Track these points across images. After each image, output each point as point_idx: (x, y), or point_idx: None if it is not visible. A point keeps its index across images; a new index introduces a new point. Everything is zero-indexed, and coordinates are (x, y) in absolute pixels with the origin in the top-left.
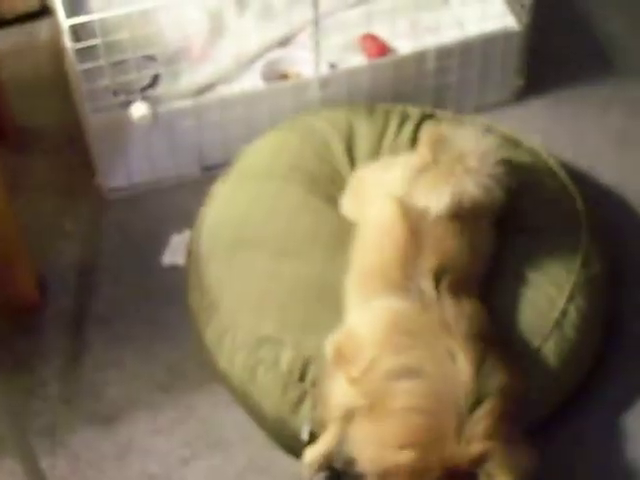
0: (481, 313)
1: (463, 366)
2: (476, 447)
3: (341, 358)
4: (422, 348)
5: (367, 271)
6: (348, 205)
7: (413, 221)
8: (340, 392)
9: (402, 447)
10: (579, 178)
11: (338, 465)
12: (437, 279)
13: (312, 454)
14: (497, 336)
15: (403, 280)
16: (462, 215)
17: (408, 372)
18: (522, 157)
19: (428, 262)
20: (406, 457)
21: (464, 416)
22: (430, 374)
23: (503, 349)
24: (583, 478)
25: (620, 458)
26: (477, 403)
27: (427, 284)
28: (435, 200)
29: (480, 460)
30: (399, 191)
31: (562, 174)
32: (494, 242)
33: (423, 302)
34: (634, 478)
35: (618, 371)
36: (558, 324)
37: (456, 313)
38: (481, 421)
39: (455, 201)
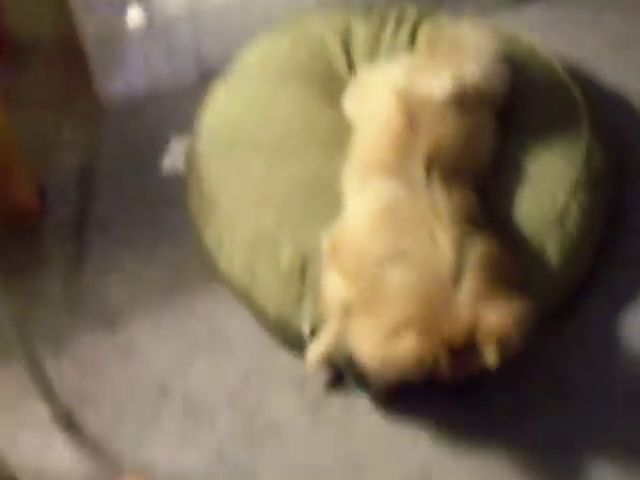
0: (471, 203)
1: (443, 245)
2: (466, 315)
3: (335, 252)
4: (407, 234)
5: (364, 159)
6: (350, 106)
7: (411, 109)
8: (334, 286)
9: (400, 335)
10: (579, 75)
11: (340, 362)
12: (429, 166)
13: (314, 351)
14: (489, 225)
15: (396, 167)
16: (462, 104)
17: (397, 259)
18: (521, 53)
19: (422, 149)
20: (406, 345)
21: (451, 292)
22: (415, 258)
23: (495, 236)
24: (585, 375)
25: (621, 354)
26: (460, 278)
27: (419, 172)
28: (437, 86)
29: (474, 328)
30: (400, 85)
31: (561, 70)
32: (494, 137)
33: (413, 188)
34: (636, 374)
35: (620, 266)
36: (560, 220)
37: (444, 199)
38: (467, 291)
39: (457, 86)
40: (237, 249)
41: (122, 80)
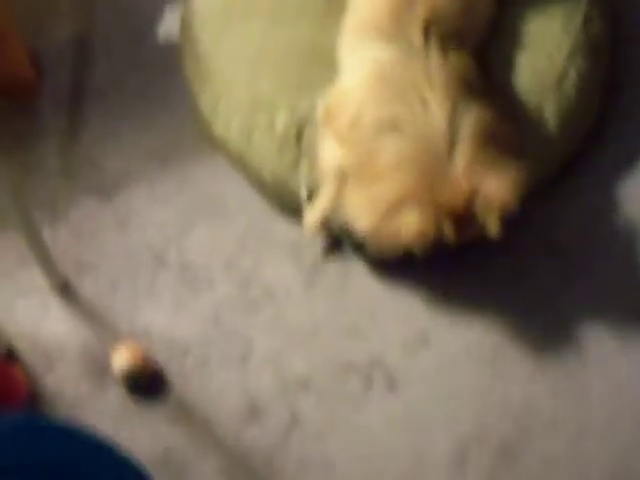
0: (469, 68)
1: (435, 111)
2: (464, 183)
3: (330, 118)
4: (401, 99)
5: (360, 21)
6: None
7: None
8: (330, 151)
9: (399, 211)
10: None
11: (336, 228)
12: (426, 30)
13: (311, 215)
14: (488, 87)
15: (393, 29)
16: None
17: (391, 126)
18: None
19: (420, 12)
20: (407, 219)
21: (445, 160)
22: (409, 126)
23: (495, 102)
24: (578, 242)
25: (617, 221)
26: (454, 143)
27: (416, 34)
28: None
29: (473, 196)
30: None
31: None
32: (493, 2)
33: (410, 52)
34: (631, 240)
35: (615, 136)
36: (558, 83)
37: (440, 63)
38: (462, 159)
39: None
40: (233, 114)
41: None
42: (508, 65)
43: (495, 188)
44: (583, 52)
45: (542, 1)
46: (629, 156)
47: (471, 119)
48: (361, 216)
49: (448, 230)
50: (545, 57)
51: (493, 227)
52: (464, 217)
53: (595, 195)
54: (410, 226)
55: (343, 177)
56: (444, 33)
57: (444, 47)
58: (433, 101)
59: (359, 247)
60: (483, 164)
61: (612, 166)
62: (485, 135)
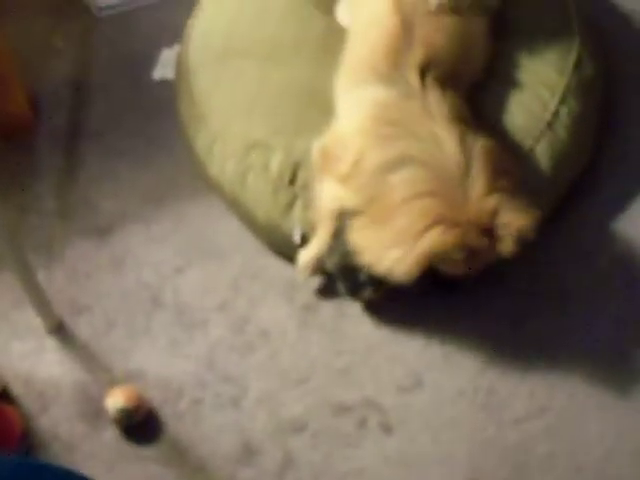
0: (464, 107)
1: (447, 142)
2: (482, 203)
3: (328, 159)
4: (407, 136)
5: (356, 62)
6: (344, 10)
7: (406, 13)
8: (330, 193)
9: (425, 231)
10: None
11: (331, 269)
12: (423, 71)
13: (305, 257)
14: (482, 126)
15: (390, 70)
16: (459, 9)
17: (400, 162)
18: None
19: (417, 54)
20: (436, 239)
21: (462, 185)
22: (420, 159)
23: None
24: (574, 280)
25: (611, 259)
26: (469, 170)
27: (413, 75)
28: None
29: (492, 216)
30: None
31: None
32: (489, 46)
33: (407, 92)
34: (627, 278)
35: (610, 175)
36: (550, 125)
37: (439, 102)
38: (477, 182)
39: None
40: (228, 156)
41: None
42: (501, 106)
43: (513, 212)
44: (576, 93)
45: (535, 42)
46: (623, 195)
47: (481, 148)
48: (385, 253)
49: (480, 242)
50: (537, 98)
51: (508, 246)
52: (485, 239)
53: (590, 233)
54: (440, 245)
55: (343, 217)
56: (441, 74)
57: (441, 88)
58: (441, 133)
59: (352, 286)
60: (498, 190)
61: (607, 205)
62: (493, 162)
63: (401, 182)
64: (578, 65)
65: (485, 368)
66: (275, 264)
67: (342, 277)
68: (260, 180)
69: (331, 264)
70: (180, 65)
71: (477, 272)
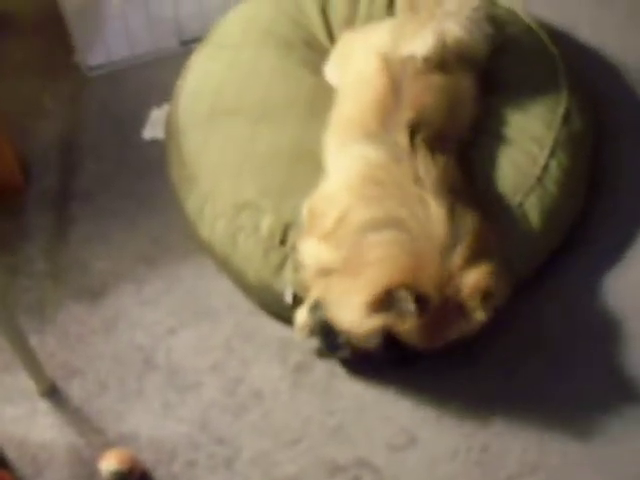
0: (454, 169)
1: (435, 211)
2: (462, 278)
3: (314, 217)
4: (394, 198)
5: (345, 121)
6: (332, 69)
7: (395, 73)
8: (310, 251)
9: (387, 295)
10: (558, 36)
11: (312, 326)
12: (412, 132)
13: (301, 317)
14: (472, 192)
15: (379, 131)
16: (445, 63)
17: (384, 223)
18: (499, 16)
19: (405, 115)
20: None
21: (444, 256)
22: (405, 223)
23: (477, 204)
24: (563, 335)
25: (599, 315)
26: (453, 244)
27: (402, 136)
28: (419, 44)
29: (465, 291)
30: (384, 47)
31: (540, 32)
32: (478, 102)
33: (396, 154)
34: (612, 334)
35: (599, 229)
36: (540, 180)
37: (428, 166)
38: (458, 259)
39: (438, 41)
40: (218, 217)
41: (103, 49)
42: (490, 162)
43: (477, 277)
44: (565, 146)
45: (523, 96)
46: (613, 249)
47: (469, 221)
48: (349, 307)
49: (443, 316)
50: (526, 153)
51: (479, 313)
52: (449, 312)
53: (578, 289)
54: (405, 310)
55: (327, 275)
56: (430, 134)
57: (430, 148)
58: (430, 201)
59: (336, 345)
60: (475, 261)
61: (596, 258)
62: (478, 239)
63: (380, 243)
64: (567, 118)
65: (477, 425)
66: (267, 324)
67: (322, 336)
68: (251, 240)
69: (312, 321)
70: (169, 125)
71: (443, 348)
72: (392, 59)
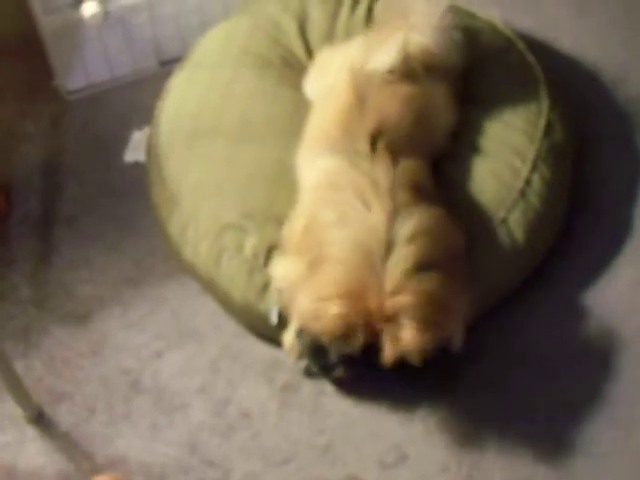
0: (423, 174)
1: (377, 215)
2: (392, 290)
3: (290, 236)
4: (345, 203)
5: (314, 134)
6: (311, 84)
7: (360, 86)
8: (283, 270)
9: (331, 298)
10: (538, 47)
11: (301, 350)
12: (374, 140)
13: (288, 340)
14: (439, 196)
15: (342, 141)
16: (414, 75)
17: (334, 225)
18: (478, 28)
19: (368, 124)
20: (330, 309)
21: (380, 263)
22: (351, 226)
23: (444, 207)
24: (548, 349)
25: (580, 332)
26: (390, 249)
27: (363, 144)
28: (382, 57)
29: (393, 315)
30: (356, 61)
31: (520, 44)
32: (453, 111)
33: (356, 160)
34: (593, 351)
35: (582, 242)
36: (523, 193)
37: (386, 170)
38: (395, 265)
39: (401, 53)
40: (201, 239)
41: (82, 72)
42: (471, 175)
43: (407, 329)
44: (547, 159)
45: (504, 108)
46: (595, 263)
47: (410, 225)
48: (300, 304)
49: (361, 335)
50: (509, 167)
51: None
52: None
53: (562, 303)
54: (330, 316)
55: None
56: (393, 142)
57: (393, 155)
58: (376, 205)
59: (329, 366)
60: (413, 274)
61: (579, 272)
62: (423, 242)
63: (333, 241)
64: (548, 130)
65: (467, 441)
66: (253, 344)
67: (313, 357)
68: (234, 262)
69: (301, 345)
70: (150, 148)
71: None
72: (360, 73)
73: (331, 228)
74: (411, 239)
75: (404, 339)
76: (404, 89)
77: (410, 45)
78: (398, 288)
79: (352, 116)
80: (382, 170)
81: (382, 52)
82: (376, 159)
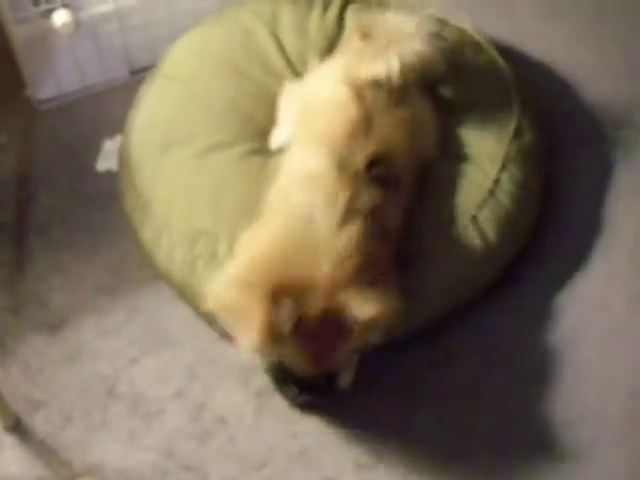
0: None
1: (321, 224)
2: (329, 288)
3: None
4: (313, 191)
5: (313, 137)
6: (282, 129)
7: (366, 101)
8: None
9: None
10: (509, 52)
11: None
12: (370, 164)
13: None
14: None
15: (343, 147)
16: (408, 94)
17: (298, 213)
18: (450, 35)
19: (370, 146)
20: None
21: (320, 257)
22: (299, 226)
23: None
24: (517, 351)
25: (552, 330)
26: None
27: (359, 161)
28: (386, 66)
29: (340, 307)
30: (348, 77)
31: (491, 50)
32: (440, 126)
33: (341, 167)
34: (565, 349)
35: (554, 242)
36: (492, 193)
37: (359, 198)
38: (335, 264)
39: (404, 62)
40: (175, 245)
41: (53, 81)
42: (443, 179)
43: (367, 308)
44: (515, 160)
45: (475, 114)
46: (568, 263)
47: (352, 241)
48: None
49: (283, 325)
50: (478, 168)
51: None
52: (324, 330)
53: (533, 302)
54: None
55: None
56: (387, 170)
57: (380, 184)
58: (319, 213)
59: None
60: (355, 278)
61: (551, 272)
62: (360, 253)
63: (287, 226)
64: (517, 133)
65: (443, 439)
66: (229, 350)
67: (279, 388)
68: (210, 268)
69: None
70: (122, 157)
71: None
72: (361, 85)
73: (292, 212)
74: (352, 246)
75: (370, 308)
76: (403, 113)
77: (411, 54)
78: (340, 287)
79: (358, 130)
80: (357, 195)
81: (381, 62)
82: (360, 182)
